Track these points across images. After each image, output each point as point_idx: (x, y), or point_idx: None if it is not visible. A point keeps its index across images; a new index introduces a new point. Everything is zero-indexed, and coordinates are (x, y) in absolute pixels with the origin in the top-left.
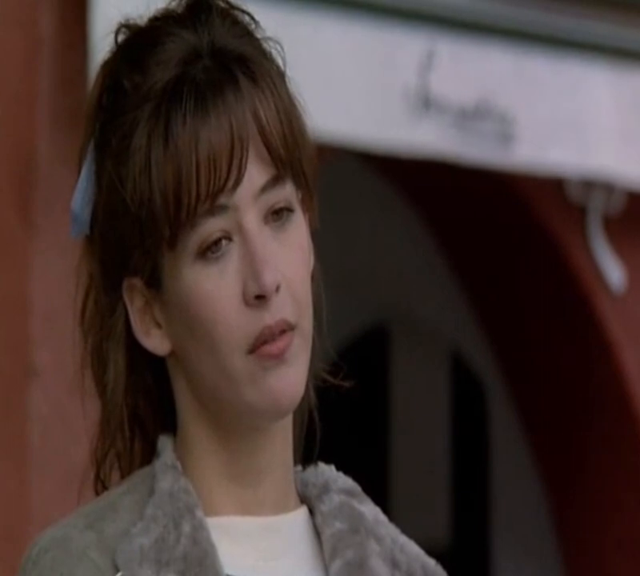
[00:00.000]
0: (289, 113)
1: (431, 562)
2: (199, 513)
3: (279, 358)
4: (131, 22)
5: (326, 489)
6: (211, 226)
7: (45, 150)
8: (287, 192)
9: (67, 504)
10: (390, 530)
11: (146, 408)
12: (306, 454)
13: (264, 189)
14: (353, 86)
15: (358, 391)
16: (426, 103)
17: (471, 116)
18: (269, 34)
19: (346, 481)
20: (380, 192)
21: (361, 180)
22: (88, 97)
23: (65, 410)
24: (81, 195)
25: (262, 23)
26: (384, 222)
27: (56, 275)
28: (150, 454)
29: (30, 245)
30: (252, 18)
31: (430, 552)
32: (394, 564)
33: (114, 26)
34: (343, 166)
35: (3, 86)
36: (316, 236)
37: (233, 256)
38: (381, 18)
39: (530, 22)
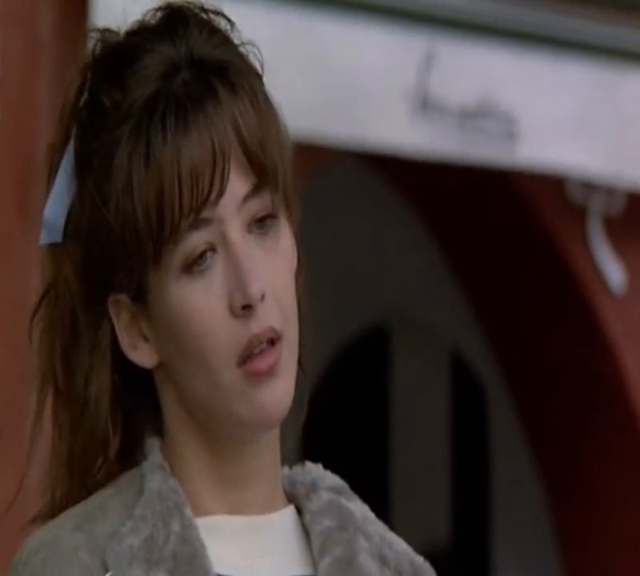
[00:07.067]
0: (268, 119)
1: (419, 559)
2: (188, 512)
3: (269, 374)
4: (108, 33)
5: (313, 487)
6: (195, 240)
7: (45, 151)
8: (269, 199)
9: None
10: (378, 527)
11: (125, 421)
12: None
13: (246, 198)
14: (354, 87)
15: (358, 391)
16: (426, 104)
17: (472, 116)
18: (266, 33)
19: (333, 479)
20: (380, 192)
21: (360, 180)
22: (64, 100)
23: None
24: (56, 203)
25: (262, 24)
26: (384, 223)
27: None
28: (129, 465)
29: (30, 245)
30: (229, 20)
31: (430, 552)
32: (383, 561)
33: (93, 34)
34: (343, 167)
35: (3, 86)
36: (316, 237)
37: (218, 268)
38: (381, 19)
39: (530, 22)
